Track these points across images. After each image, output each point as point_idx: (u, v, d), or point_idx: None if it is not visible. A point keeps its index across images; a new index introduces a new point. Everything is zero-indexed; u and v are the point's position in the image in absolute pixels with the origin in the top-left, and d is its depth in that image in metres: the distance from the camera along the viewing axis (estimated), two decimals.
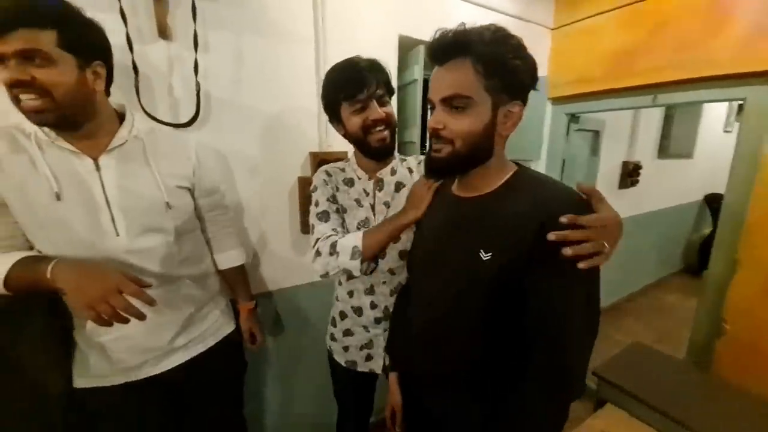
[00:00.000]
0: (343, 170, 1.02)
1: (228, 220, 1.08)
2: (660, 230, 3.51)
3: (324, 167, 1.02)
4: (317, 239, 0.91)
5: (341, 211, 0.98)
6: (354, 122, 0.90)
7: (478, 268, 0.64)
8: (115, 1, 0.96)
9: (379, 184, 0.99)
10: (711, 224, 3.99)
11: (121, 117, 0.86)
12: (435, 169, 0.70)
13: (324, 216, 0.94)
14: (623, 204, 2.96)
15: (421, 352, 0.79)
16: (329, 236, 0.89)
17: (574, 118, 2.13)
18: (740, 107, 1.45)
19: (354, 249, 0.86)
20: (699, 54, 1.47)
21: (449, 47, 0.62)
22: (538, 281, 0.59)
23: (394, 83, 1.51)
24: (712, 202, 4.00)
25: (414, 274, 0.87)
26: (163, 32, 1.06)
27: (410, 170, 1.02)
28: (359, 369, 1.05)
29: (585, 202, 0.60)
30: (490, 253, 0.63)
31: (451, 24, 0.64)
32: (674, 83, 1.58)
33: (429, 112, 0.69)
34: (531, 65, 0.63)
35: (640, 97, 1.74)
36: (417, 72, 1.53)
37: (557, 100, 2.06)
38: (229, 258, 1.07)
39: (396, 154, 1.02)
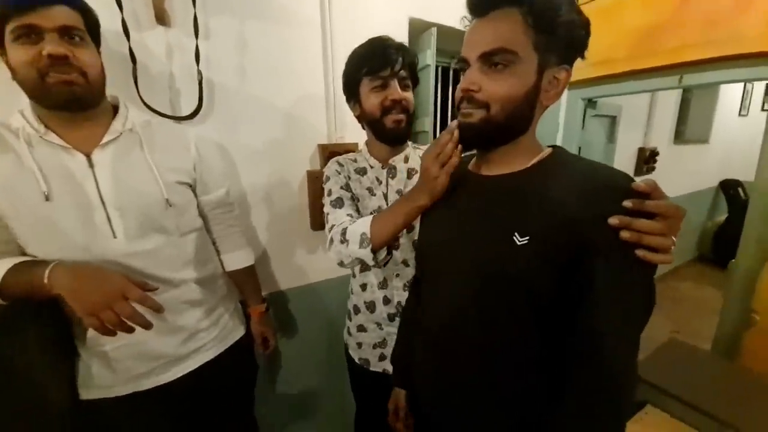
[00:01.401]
0: (354, 161, 0.99)
1: (234, 218, 1.02)
2: None
3: (335, 159, 1.00)
4: (332, 226, 0.86)
5: (356, 199, 0.95)
6: (372, 101, 0.87)
7: (510, 254, 0.53)
8: None
9: (392, 172, 0.95)
10: (726, 210, 3.90)
11: (114, 110, 0.80)
12: (464, 138, 0.61)
13: (338, 203, 0.89)
14: None
15: (435, 363, 0.68)
16: (342, 222, 0.84)
17: (591, 103, 2.04)
18: None
19: (362, 236, 0.78)
20: (728, 31, 1.37)
21: None
22: (589, 279, 0.49)
23: None
24: (728, 188, 3.90)
25: (426, 268, 0.75)
26: (161, 18, 0.99)
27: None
28: (372, 368, 1.01)
29: (644, 191, 0.50)
30: (527, 237, 0.53)
31: (463, 4, 0.56)
32: (701, 62, 1.48)
33: (460, 74, 0.59)
34: (586, 23, 0.54)
35: (664, 78, 1.64)
36: (429, 57, 1.45)
37: (573, 84, 1.96)
38: (237, 259, 1.02)
39: (409, 142, 0.99)
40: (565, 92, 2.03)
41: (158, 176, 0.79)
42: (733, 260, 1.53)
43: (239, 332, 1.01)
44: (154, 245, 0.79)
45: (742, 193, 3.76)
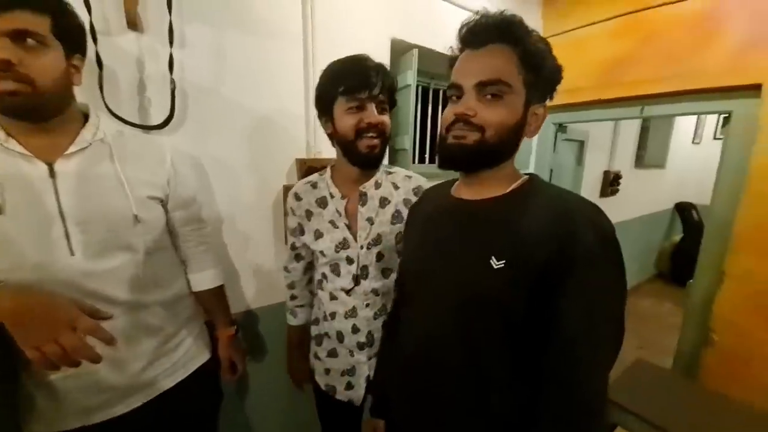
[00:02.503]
0: (315, 186, 0.95)
1: (205, 235, 0.96)
2: (637, 237, 3.62)
3: (295, 189, 0.97)
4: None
5: (305, 247, 0.99)
6: (346, 122, 0.83)
7: (487, 277, 0.56)
8: None
9: (362, 198, 0.90)
10: (681, 231, 4.17)
11: (85, 118, 0.75)
12: (457, 158, 0.62)
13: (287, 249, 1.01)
14: (606, 211, 3.01)
15: (412, 384, 0.69)
16: (285, 276, 1.05)
17: (561, 128, 2.14)
18: (725, 119, 1.47)
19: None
20: (688, 67, 1.49)
21: (493, 30, 0.58)
22: (557, 301, 0.52)
23: None
24: (682, 210, 4.18)
25: (407, 290, 0.76)
26: (133, 23, 0.95)
27: (395, 186, 0.95)
28: (337, 396, 0.97)
29: (604, 216, 0.55)
30: (503, 261, 0.55)
31: (444, 29, 0.60)
32: (662, 95, 1.60)
33: (442, 107, 0.62)
34: (561, 70, 0.60)
35: (627, 109, 1.76)
36: (410, 77, 1.47)
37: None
38: (206, 279, 0.96)
39: (381, 165, 0.95)
40: None
41: (128, 190, 0.74)
42: (691, 281, 1.62)
43: (203, 357, 0.94)
44: (116, 264, 0.73)
45: (695, 215, 4.04)
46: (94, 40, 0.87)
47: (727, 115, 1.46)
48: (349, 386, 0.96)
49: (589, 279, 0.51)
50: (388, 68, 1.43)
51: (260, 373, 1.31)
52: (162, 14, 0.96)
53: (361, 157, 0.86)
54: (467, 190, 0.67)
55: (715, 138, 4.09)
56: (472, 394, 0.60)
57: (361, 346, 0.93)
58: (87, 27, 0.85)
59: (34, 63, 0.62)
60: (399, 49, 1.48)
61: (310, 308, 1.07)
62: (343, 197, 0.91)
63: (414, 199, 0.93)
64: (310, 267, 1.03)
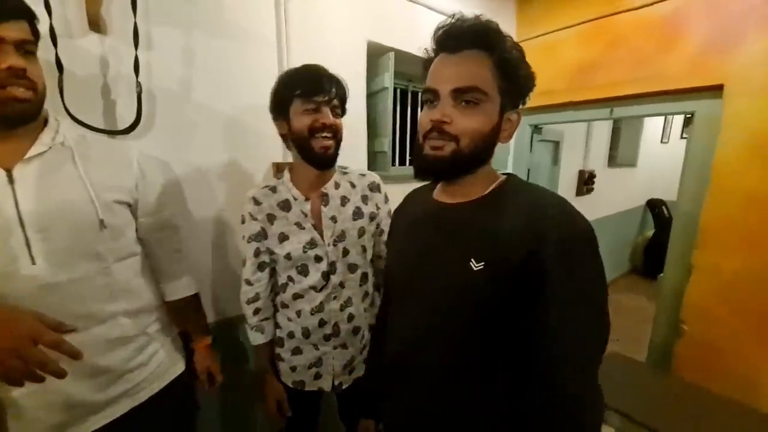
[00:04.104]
0: (274, 190, 0.96)
1: (177, 242, 0.93)
2: (611, 234, 3.75)
3: (252, 193, 0.96)
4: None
5: (268, 252, 0.97)
6: (302, 121, 0.88)
7: (468, 279, 0.57)
8: None
9: (325, 199, 0.95)
10: (653, 227, 4.34)
11: (45, 123, 0.72)
12: (433, 169, 0.62)
13: (244, 260, 0.98)
14: (582, 209, 3.09)
15: (400, 381, 0.70)
16: (243, 291, 0.99)
17: (537, 129, 2.19)
18: (688, 119, 1.54)
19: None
20: (652, 70, 1.55)
21: (469, 36, 0.57)
22: (538, 298, 0.53)
23: (362, 92, 1.47)
24: (653, 206, 4.35)
25: (393, 292, 0.78)
26: (96, 25, 0.92)
27: (352, 184, 1.01)
28: (307, 388, 1.01)
29: (579, 213, 0.57)
30: (482, 263, 0.56)
31: (420, 31, 0.60)
32: (629, 97, 1.66)
33: (420, 108, 0.62)
34: (534, 77, 0.61)
35: (598, 110, 1.81)
36: (387, 80, 1.47)
37: (522, 112, 2.10)
38: (179, 287, 0.92)
39: (336, 166, 0.99)
40: None
41: (93, 195, 0.72)
42: (661, 274, 1.69)
43: (177, 369, 0.91)
44: (82, 273, 0.70)
45: (665, 211, 4.22)
46: (54, 42, 0.84)
47: (690, 115, 1.53)
48: (318, 376, 1.00)
49: (568, 274, 0.52)
50: (365, 71, 1.45)
51: (237, 383, 1.27)
52: (127, 16, 0.93)
53: (316, 156, 0.90)
54: (447, 195, 0.68)
55: (681, 137, 4.29)
56: (458, 391, 0.62)
57: (327, 338, 0.97)
58: (47, 30, 0.82)
59: (34, 70, 0.66)
60: (375, 52, 1.48)
61: (274, 319, 1.04)
62: (306, 199, 0.95)
63: (370, 194, 1.01)
64: (272, 274, 1.01)
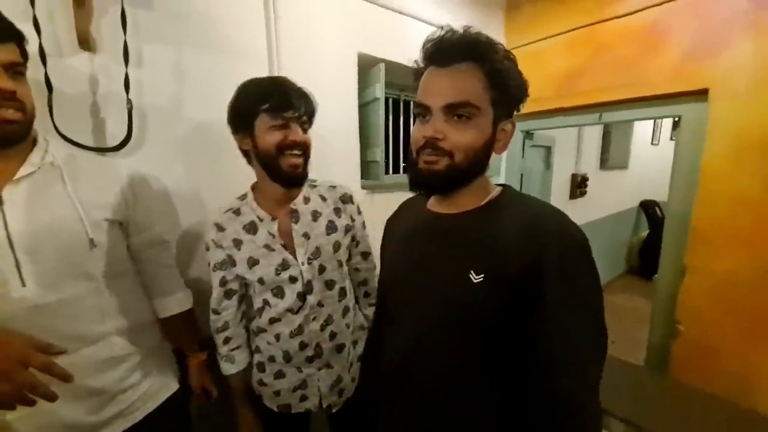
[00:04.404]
0: (238, 213, 0.89)
1: (169, 257, 0.93)
2: (606, 236, 3.77)
3: (214, 220, 0.90)
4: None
5: (237, 279, 0.91)
6: (269, 139, 0.82)
7: (467, 291, 0.56)
8: (28, 7, 0.81)
9: (294, 216, 0.90)
10: (647, 227, 4.37)
11: (34, 143, 0.72)
12: (428, 184, 0.62)
13: (212, 289, 0.92)
14: (576, 213, 3.13)
15: (396, 400, 0.69)
16: (212, 319, 0.93)
17: (528, 134, 2.22)
18: (675, 123, 1.57)
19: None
20: (638, 76, 1.58)
21: (459, 49, 0.56)
22: (536, 310, 0.53)
23: (354, 102, 1.48)
24: (647, 207, 4.39)
25: (389, 305, 0.76)
26: (85, 43, 0.92)
27: (323, 197, 0.96)
28: (294, 411, 0.96)
29: (575, 225, 0.57)
30: (482, 275, 0.56)
31: (410, 42, 0.60)
32: (617, 102, 1.69)
33: (413, 119, 0.62)
34: (527, 86, 0.61)
35: (587, 115, 1.84)
36: (378, 91, 1.49)
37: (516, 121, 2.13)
38: (173, 303, 0.91)
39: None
40: None
41: (82, 214, 0.71)
42: (656, 275, 1.70)
43: (171, 387, 0.90)
44: (72, 294, 0.70)
45: (659, 212, 4.26)
46: (44, 61, 0.84)
47: (677, 119, 1.55)
48: (303, 398, 0.95)
49: (567, 284, 0.52)
50: (356, 82, 1.47)
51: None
52: (116, 33, 0.93)
53: (284, 175, 0.85)
54: (443, 205, 0.67)
55: (671, 139, 4.34)
56: (456, 399, 0.61)
57: (309, 360, 0.92)
58: (36, 49, 0.82)
59: (24, 91, 0.66)
60: (366, 63, 1.50)
61: (248, 347, 0.98)
62: (273, 219, 0.89)
63: (342, 206, 0.97)
64: (241, 301, 0.95)
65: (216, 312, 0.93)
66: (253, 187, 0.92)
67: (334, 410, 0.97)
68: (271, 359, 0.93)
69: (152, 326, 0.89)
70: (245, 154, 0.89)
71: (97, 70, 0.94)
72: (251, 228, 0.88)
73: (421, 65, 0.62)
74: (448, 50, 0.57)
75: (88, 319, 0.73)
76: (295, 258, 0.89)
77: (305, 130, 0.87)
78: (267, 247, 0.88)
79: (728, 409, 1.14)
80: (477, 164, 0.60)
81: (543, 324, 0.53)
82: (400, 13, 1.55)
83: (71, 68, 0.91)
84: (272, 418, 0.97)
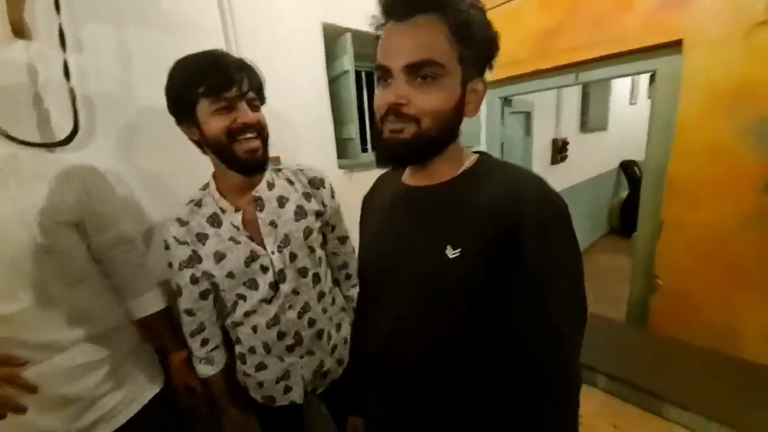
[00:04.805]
0: (200, 204, 0.84)
1: (138, 256, 0.89)
2: (587, 199, 3.83)
3: (176, 214, 0.83)
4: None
5: (206, 276, 0.84)
6: (216, 125, 0.74)
7: (444, 266, 0.54)
8: None
9: (258, 204, 0.84)
10: (627, 187, 4.46)
11: None
12: (395, 156, 0.57)
13: (177, 290, 0.86)
14: (558, 178, 3.15)
15: (384, 380, 0.68)
16: (183, 322, 0.88)
17: (507, 101, 2.18)
18: (652, 78, 1.55)
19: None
20: (612, 31, 1.55)
21: None
22: (515, 280, 0.52)
23: (323, 77, 1.41)
24: (626, 167, 4.46)
25: (368, 282, 0.75)
26: (20, 31, 0.84)
27: (290, 181, 0.91)
28: (278, 403, 0.93)
29: (555, 192, 0.54)
30: (458, 250, 0.54)
31: (376, 8, 0.53)
32: (592, 61, 1.66)
33: (376, 83, 0.55)
34: (497, 37, 0.55)
35: (563, 76, 1.81)
36: (347, 62, 1.42)
37: (490, 85, 2.06)
38: (146, 303, 0.88)
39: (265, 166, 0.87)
40: None
41: (30, 219, 0.66)
42: (635, 233, 1.74)
43: (155, 387, 0.88)
44: (31, 303, 0.67)
45: (638, 171, 4.33)
46: None
47: (653, 73, 1.54)
48: (287, 389, 0.93)
49: (546, 253, 0.51)
50: (323, 55, 1.39)
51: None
52: (51, 17, 0.85)
53: (241, 162, 0.77)
54: (417, 178, 0.63)
55: (648, 98, 4.36)
56: (442, 381, 0.60)
57: (290, 349, 0.90)
58: None
59: None
60: (332, 34, 1.42)
61: (224, 345, 0.95)
62: (236, 210, 0.83)
63: (312, 191, 0.92)
64: (215, 299, 0.90)
65: (190, 313, 0.87)
66: (214, 176, 0.86)
67: (319, 391, 0.97)
68: (252, 350, 0.91)
69: (127, 328, 0.86)
70: (197, 144, 0.81)
71: (34, 58, 0.86)
72: (214, 220, 0.83)
73: (380, 21, 0.55)
74: (407, 1, 0.51)
75: (53, 327, 0.70)
76: (264, 248, 0.84)
77: (256, 108, 0.79)
78: (232, 240, 0.83)
79: (708, 356, 1.19)
80: (447, 130, 0.55)
81: (523, 293, 0.52)
82: None
83: (6, 59, 0.83)
84: (262, 409, 0.96)
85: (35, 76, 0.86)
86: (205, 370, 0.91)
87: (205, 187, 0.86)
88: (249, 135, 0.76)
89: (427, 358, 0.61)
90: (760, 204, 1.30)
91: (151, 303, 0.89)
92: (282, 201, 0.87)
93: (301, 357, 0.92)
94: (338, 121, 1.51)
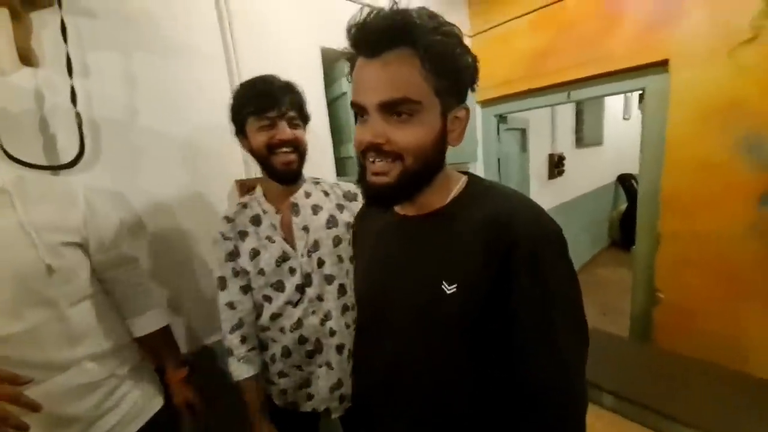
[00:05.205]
0: (246, 206, 0.94)
1: (139, 275, 0.90)
2: (586, 212, 3.85)
3: (225, 213, 0.95)
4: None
5: (243, 271, 0.91)
6: (259, 140, 0.85)
7: (442, 303, 0.53)
8: None
9: (295, 209, 0.92)
10: (625, 200, 4.48)
11: None
12: (383, 199, 0.56)
13: (221, 283, 0.92)
14: (555, 193, 3.18)
15: (385, 407, 0.66)
16: (223, 319, 0.92)
17: (502, 118, 2.23)
18: (641, 96, 1.60)
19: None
20: (601, 51, 1.60)
21: (387, 33, 0.47)
22: (514, 307, 0.51)
23: (322, 99, 1.45)
24: (624, 181, 4.50)
25: (364, 315, 0.73)
26: (27, 58, 0.87)
27: (326, 193, 0.98)
28: (301, 410, 0.96)
29: (547, 215, 0.54)
30: (454, 285, 0.53)
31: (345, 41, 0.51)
32: (582, 80, 1.71)
33: (354, 119, 0.55)
34: (475, 62, 0.53)
35: (556, 95, 1.86)
36: (345, 85, 1.47)
37: (485, 103, 2.14)
38: (148, 321, 0.88)
39: (306, 176, 0.98)
40: (480, 111, 2.19)
41: (36, 239, 0.68)
42: (634, 246, 1.74)
43: (155, 406, 0.87)
44: (35, 322, 0.67)
45: (635, 184, 4.37)
46: None
47: (642, 91, 1.58)
48: (310, 397, 0.95)
49: (541, 276, 0.50)
50: (322, 78, 1.44)
51: (223, 411, 1.23)
52: (58, 44, 0.89)
53: (278, 173, 0.88)
54: (407, 207, 0.62)
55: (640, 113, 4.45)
56: (445, 409, 0.59)
57: (310, 354, 0.93)
58: None
59: None
60: (330, 57, 1.47)
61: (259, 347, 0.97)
62: (277, 212, 0.92)
63: (346, 203, 0.98)
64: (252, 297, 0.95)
65: (232, 306, 0.91)
66: (261, 183, 0.96)
67: (334, 416, 0.96)
68: (272, 358, 0.94)
69: (129, 347, 0.86)
70: (251, 153, 0.92)
71: (41, 85, 0.89)
72: (256, 220, 0.92)
73: (353, 53, 0.53)
74: (374, 36, 0.48)
75: (56, 346, 0.70)
76: (295, 250, 0.90)
77: (295, 126, 0.88)
78: (269, 238, 0.91)
79: (713, 370, 1.18)
80: (431, 164, 0.54)
81: (522, 321, 0.51)
82: (360, 3, 1.53)
83: (14, 86, 0.86)
84: (282, 415, 0.97)
85: (42, 102, 0.90)
86: (243, 370, 0.91)
87: (252, 192, 0.97)
88: (286, 149, 0.86)
89: (429, 388, 0.59)
90: (755, 216, 1.32)
91: (151, 322, 0.89)
92: (316, 209, 0.94)
93: (320, 366, 0.94)
94: (337, 140, 1.55)
